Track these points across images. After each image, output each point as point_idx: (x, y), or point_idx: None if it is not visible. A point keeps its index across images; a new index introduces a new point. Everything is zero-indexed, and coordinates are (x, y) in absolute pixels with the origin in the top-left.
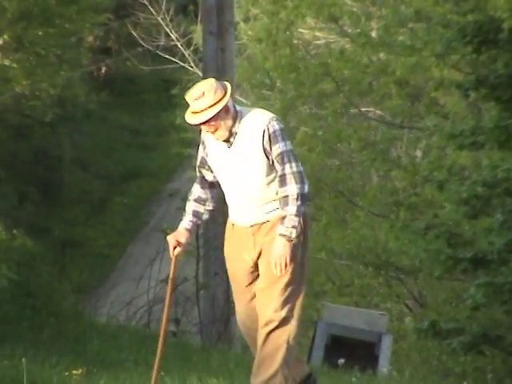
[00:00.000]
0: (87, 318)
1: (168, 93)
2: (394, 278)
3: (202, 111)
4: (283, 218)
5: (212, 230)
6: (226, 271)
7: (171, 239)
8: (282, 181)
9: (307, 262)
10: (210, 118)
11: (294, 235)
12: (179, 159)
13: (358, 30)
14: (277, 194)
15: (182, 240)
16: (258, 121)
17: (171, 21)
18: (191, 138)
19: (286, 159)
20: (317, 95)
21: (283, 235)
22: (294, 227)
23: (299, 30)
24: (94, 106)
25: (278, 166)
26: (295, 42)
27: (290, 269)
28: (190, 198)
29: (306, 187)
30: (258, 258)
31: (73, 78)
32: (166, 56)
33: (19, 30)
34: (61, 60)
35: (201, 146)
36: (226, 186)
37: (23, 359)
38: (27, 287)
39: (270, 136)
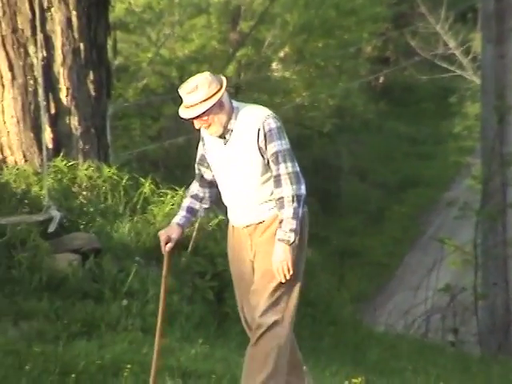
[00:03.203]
0: (366, 326)
1: (446, 101)
2: None
3: (194, 105)
4: (280, 221)
5: (491, 239)
6: (505, 281)
7: (163, 235)
8: (277, 181)
9: (302, 263)
10: (202, 113)
11: (292, 238)
12: (457, 168)
13: None
14: (272, 194)
15: (174, 236)
16: (254, 118)
17: (450, 29)
18: (470, 146)
19: (280, 159)
20: None
21: (282, 240)
22: (291, 230)
23: None
24: (371, 115)
25: (272, 166)
26: None
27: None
28: (186, 194)
29: (303, 188)
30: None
31: (351, 88)
32: (444, 65)
33: (300, 42)
34: (340, 71)
35: (200, 143)
36: (221, 184)
37: (304, 367)
38: (307, 296)
39: (265, 134)
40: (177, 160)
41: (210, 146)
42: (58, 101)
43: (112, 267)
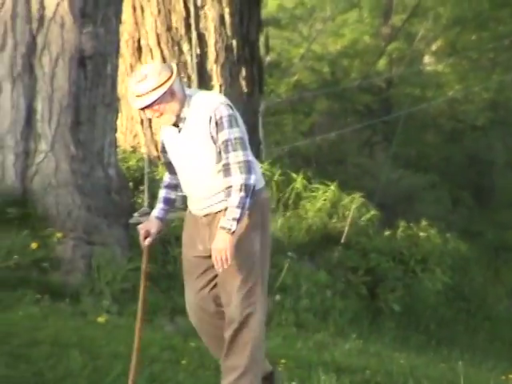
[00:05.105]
0: None
1: None
2: None
3: (144, 95)
4: (225, 209)
5: None
6: None
7: (142, 229)
8: (226, 170)
9: (266, 252)
10: (153, 102)
11: (234, 227)
12: None
13: None
14: None
15: (153, 230)
16: (206, 105)
17: None
18: None
19: (230, 147)
20: None
21: (223, 228)
22: (234, 219)
23: None
24: None
25: (222, 155)
26: None
27: (246, 262)
28: (161, 185)
29: (252, 178)
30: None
31: (506, 81)
32: None
33: (453, 35)
34: (493, 63)
35: (161, 132)
36: (179, 172)
37: (459, 362)
38: (461, 291)
39: (216, 122)
40: (329, 155)
41: (166, 136)
42: None
43: None
